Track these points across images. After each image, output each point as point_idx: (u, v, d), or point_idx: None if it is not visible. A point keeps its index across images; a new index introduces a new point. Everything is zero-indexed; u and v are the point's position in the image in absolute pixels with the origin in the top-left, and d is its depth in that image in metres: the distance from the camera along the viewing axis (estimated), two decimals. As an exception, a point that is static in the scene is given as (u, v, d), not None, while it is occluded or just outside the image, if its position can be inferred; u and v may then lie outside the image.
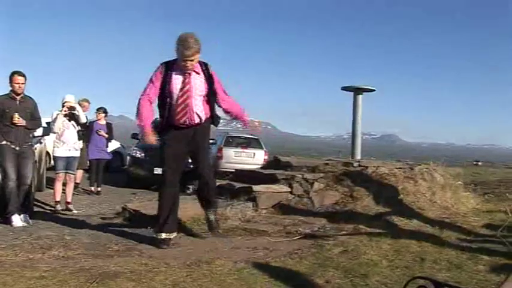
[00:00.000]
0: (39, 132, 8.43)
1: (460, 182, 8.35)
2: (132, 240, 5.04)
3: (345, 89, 10.25)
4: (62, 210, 8.29)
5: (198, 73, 4.84)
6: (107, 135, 11.08)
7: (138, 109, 4.88)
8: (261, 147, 16.24)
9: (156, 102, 4.92)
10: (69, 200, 8.54)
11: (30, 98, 6.75)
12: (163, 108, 4.88)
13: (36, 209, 7.89)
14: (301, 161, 8.83)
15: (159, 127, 4.97)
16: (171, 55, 4.81)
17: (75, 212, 8.27)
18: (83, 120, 8.74)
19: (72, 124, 8.44)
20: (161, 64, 4.85)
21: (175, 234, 4.99)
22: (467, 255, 4.58)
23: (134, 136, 14.68)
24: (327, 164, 7.87)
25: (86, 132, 9.97)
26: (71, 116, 8.41)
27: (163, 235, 4.84)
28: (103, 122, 11.19)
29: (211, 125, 5.19)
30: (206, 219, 5.43)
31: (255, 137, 16.98)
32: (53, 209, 8.37)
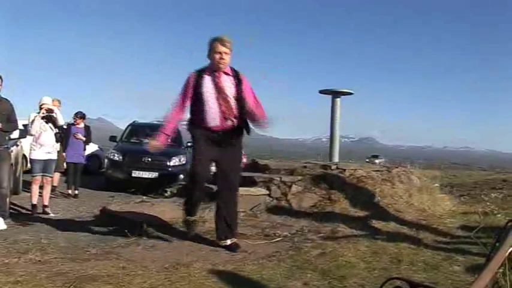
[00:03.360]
0: (15, 134, 8.33)
1: (436, 184, 8.46)
2: (110, 244, 5.00)
3: (322, 92, 10.29)
4: (39, 213, 8.20)
5: (227, 74, 4.81)
6: (84, 139, 11.00)
7: (167, 113, 4.91)
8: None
9: (188, 108, 4.89)
10: (46, 203, 8.46)
11: (7, 100, 6.65)
12: (196, 111, 4.82)
13: (12, 212, 7.78)
14: (279, 163, 8.85)
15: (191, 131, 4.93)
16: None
17: (52, 215, 8.17)
18: (61, 122, 8.68)
19: (50, 127, 8.36)
20: (193, 72, 4.86)
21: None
22: (443, 256, 4.65)
23: (112, 139, 14.59)
24: (305, 166, 7.89)
25: (64, 135, 9.89)
26: (49, 119, 8.33)
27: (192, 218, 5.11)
28: (81, 125, 11.10)
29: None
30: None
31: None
32: (29, 212, 8.27)
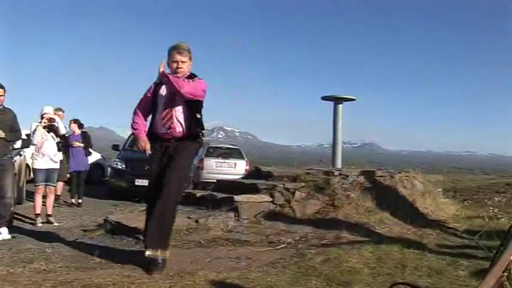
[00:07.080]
0: (18, 144, 8.35)
1: (439, 189, 8.46)
2: (114, 252, 5.01)
3: (325, 98, 10.31)
4: (43, 223, 8.22)
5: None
6: (82, 144, 10.96)
7: (132, 118, 4.79)
8: (242, 158, 16.24)
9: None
10: (49, 212, 8.48)
11: (10, 109, 6.67)
12: (151, 117, 4.76)
13: (16, 222, 7.80)
14: (282, 170, 8.85)
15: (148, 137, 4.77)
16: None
17: (56, 224, 8.20)
18: (63, 131, 8.70)
19: (52, 136, 8.39)
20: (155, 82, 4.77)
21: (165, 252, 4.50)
22: (448, 261, 4.66)
23: (115, 147, 14.60)
24: (308, 173, 7.90)
25: (65, 144, 9.90)
26: (50, 128, 8.36)
27: (147, 252, 4.45)
28: (77, 132, 11.09)
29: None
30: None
31: (236, 148, 16.99)
32: (33, 222, 8.28)
